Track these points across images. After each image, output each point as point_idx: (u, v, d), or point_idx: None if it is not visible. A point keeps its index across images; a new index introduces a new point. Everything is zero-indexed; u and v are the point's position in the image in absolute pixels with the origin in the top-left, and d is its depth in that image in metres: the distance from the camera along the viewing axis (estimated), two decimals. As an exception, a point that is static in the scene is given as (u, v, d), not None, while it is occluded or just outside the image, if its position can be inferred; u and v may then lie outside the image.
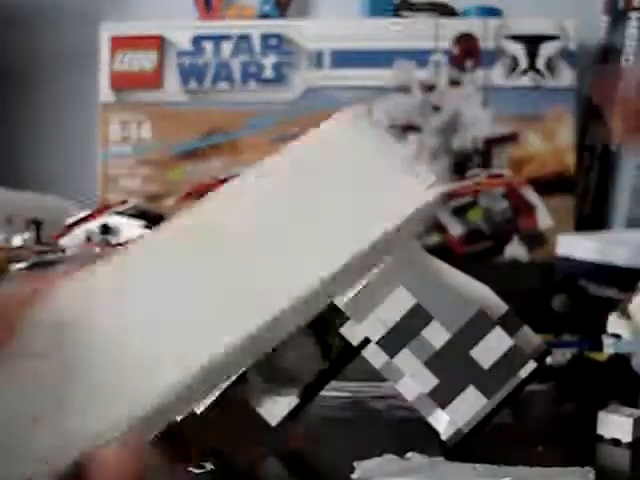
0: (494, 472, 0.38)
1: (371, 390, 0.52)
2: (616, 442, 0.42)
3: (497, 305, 0.43)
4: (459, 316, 0.41)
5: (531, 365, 0.42)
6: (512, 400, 0.42)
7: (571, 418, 0.49)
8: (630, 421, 0.42)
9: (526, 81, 0.91)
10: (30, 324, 0.21)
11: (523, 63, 0.91)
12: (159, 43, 0.95)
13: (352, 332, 0.41)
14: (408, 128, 0.92)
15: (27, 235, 0.68)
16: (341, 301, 0.40)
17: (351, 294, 0.40)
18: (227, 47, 0.94)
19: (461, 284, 0.42)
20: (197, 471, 0.38)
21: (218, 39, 0.94)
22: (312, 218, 0.22)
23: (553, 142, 0.91)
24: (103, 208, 0.69)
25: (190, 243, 0.22)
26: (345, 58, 0.92)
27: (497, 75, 0.92)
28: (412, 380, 0.41)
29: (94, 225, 0.65)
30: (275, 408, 0.41)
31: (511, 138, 0.91)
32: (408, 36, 0.92)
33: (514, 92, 0.91)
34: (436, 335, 0.41)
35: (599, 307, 0.63)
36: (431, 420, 0.42)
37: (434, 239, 0.80)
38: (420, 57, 0.92)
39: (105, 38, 0.96)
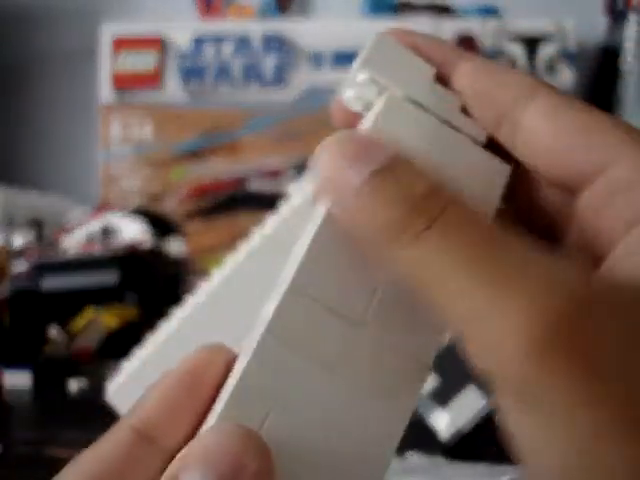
0: (494, 472, 0.38)
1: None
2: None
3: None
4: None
5: (531, 365, 0.42)
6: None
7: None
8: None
9: (526, 81, 0.91)
10: None
11: (522, 63, 0.91)
12: (159, 43, 0.95)
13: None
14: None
15: (27, 235, 0.68)
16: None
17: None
18: (227, 47, 0.94)
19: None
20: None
21: (218, 39, 0.94)
22: None
23: (553, 142, 0.91)
24: (103, 208, 0.69)
25: None
26: (345, 58, 0.92)
27: (497, 75, 0.92)
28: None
29: (94, 225, 0.66)
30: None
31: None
32: (408, 36, 0.92)
33: (514, 92, 0.91)
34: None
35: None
36: (431, 420, 0.42)
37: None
38: (420, 57, 0.92)
39: (106, 38, 0.96)
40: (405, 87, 0.20)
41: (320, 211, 0.19)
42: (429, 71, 0.21)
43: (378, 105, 0.20)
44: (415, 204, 0.17)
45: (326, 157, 0.18)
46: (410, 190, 0.17)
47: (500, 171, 0.20)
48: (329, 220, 0.19)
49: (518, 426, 0.17)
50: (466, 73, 0.21)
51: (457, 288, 0.16)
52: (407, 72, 0.21)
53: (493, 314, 0.16)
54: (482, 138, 0.21)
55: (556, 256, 0.17)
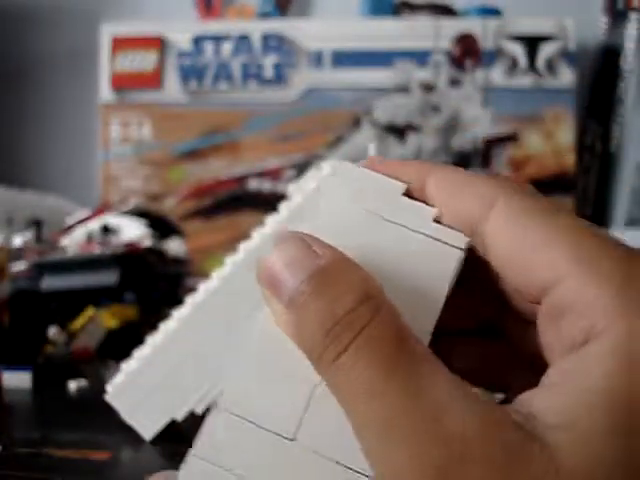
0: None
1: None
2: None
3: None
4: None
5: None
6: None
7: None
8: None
9: (526, 81, 0.91)
10: None
11: (523, 63, 0.91)
12: (159, 43, 0.95)
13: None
14: (408, 128, 0.92)
15: (27, 235, 0.68)
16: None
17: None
18: (227, 47, 0.94)
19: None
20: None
21: (218, 39, 0.94)
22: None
23: (553, 142, 0.91)
24: (103, 208, 0.69)
25: None
26: (345, 58, 0.92)
27: (497, 75, 0.92)
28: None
29: (94, 225, 0.65)
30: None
31: (511, 138, 0.91)
32: (408, 36, 0.92)
33: (514, 92, 0.91)
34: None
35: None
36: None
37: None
38: (420, 57, 0.92)
39: (105, 38, 0.96)
40: (367, 203, 0.21)
41: (259, 322, 0.20)
42: (397, 188, 0.22)
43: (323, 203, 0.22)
44: (338, 321, 0.18)
45: (272, 260, 0.19)
46: (338, 303, 0.18)
47: (452, 255, 0.21)
48: (265, 330, 0.20)
49: None
50: (432, 188, 0.22)
51: (358, 420, 0.18)
52: (371, 191, 0.22)
53: (382, 456, 0.17)
54: (463, 245, 0.21)
55: (461, 397, 0.18)
